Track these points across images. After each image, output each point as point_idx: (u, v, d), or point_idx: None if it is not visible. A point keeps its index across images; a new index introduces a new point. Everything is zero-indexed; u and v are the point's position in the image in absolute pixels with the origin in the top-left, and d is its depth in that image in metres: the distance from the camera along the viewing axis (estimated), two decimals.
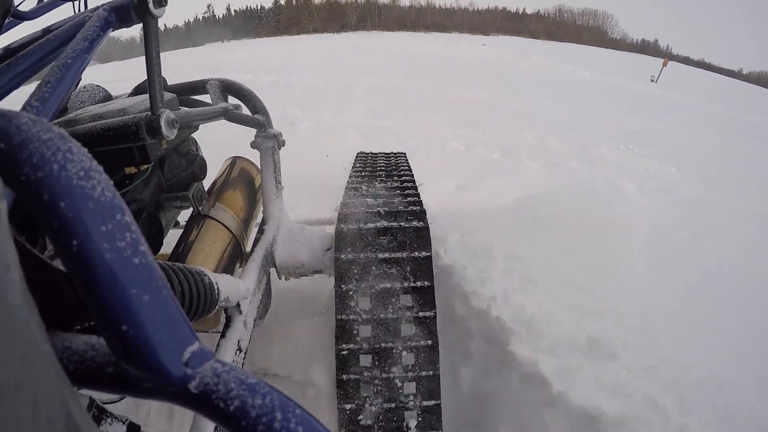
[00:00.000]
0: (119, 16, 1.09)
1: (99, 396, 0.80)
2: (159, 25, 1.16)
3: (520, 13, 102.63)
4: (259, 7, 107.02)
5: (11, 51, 1.10)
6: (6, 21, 1.02)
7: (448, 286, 2.42)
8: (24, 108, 0.83)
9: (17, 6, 1.13)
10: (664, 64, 24.31)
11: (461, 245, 2.65)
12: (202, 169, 1.93)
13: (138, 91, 1.80)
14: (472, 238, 2.74)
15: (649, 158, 6.17)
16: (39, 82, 0.91)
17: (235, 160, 2.15)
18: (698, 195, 4.88)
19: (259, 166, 2.06)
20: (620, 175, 5.10)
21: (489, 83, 10.95)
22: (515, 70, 15.63)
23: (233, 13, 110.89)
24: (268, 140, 2.02)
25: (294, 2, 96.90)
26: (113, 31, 1.10)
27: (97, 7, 1.10)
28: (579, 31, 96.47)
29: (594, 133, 7.08)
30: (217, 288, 1.08)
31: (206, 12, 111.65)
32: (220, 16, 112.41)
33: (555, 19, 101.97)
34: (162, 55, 1.16)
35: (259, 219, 2.10)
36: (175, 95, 1.54)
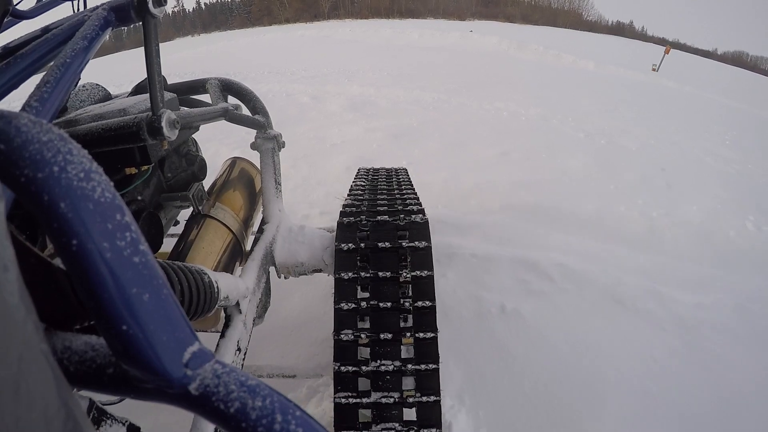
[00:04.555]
0: (118, 16, 1.08)
1: (99, 397, 0.76)
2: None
3: None
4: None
5: (10, 50, 1.08)
6: (5, 20, 1.01)
7: None
8: (23, 108, 0.82)
9: (16, 5, 1.11)
10: (666, 52, 22.99)
11: None
12: (202, 170, 1.90)
13: (138, 90, 1.79)
14: None
15: None
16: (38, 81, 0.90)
17: (234, 161, 2.12)
18: None
19: (259, 167, 2.02)
20: None
21: (510, 87, 8.68)
22: (523, 65, 13.93)
23: (203, 6, 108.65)
24: (268, 141, 1.98)
25: None
26: (113, 30, 1.09)
27: (97, 7, 1.09)
28: (555, 15, 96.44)
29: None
30: (217, 287, 1.06)
31: (176, 6, 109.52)
32: (190, 10, 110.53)
33: (531, 3, 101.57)
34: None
35: (258, 219, 2.05)
36: (175, 95, 1.53)
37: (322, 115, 5.99)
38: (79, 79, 1.24)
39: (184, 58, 15.56)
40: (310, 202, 3.43)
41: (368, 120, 5.71)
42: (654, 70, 20.34)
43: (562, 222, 3.30)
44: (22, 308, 0.29)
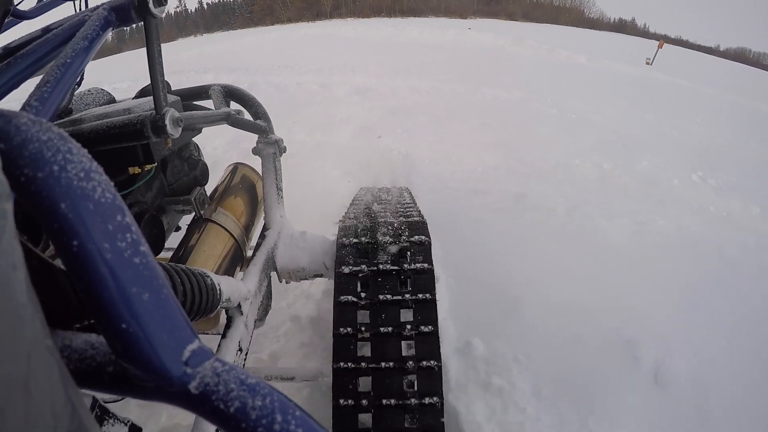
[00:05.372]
0: (119, 16, 1.08)
1: (100, 396, 0.79)
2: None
3: None
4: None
5: (10, 50, 1.08)
6: (6, 20, 1.00)
7: None
8: (23, 108, 0.83)
9: (17, 5, 1.11)
10: (660, 47, 23.54)
11: None
12: (204, 174, 1.94)
13: (142, 94, 1.83)
14: None
15: None
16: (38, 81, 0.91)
17: (236, 167, 2.15)
18: None
19: (261, 173, 2.05)
20: None
21: (499, 78, 9.47)
22: (516, 59, 14.55)
23: (206, 6, 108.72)
24: (270, 146, 2.00)
25: None
26: (113, 30, 1.09)
27: (97, 7, 1.09)
28: (557, 12, 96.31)
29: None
30: (219, 288, 1.07)
31: (178, 6, 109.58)
32: (192, 10, 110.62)
33: (532, 1, 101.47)
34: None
35: (259, 225, 2.07)
36: (178, 98, 1.56)
37: (330, 99, 6.82)
38: (82, 79, 1.28)
39: (193, 56, 15.93)
40: (324, 158, 4.26)
41: (370, 101, 6.53)
42: (648, 63, 20.87)
43: (523, 170, 4.09)
44: (30, 307, 0.30)
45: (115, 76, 11.05)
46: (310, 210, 3.10)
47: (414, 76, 9.15)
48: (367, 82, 8.30)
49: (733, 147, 6.24)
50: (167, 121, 1.09)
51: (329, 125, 5.11)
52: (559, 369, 1.98)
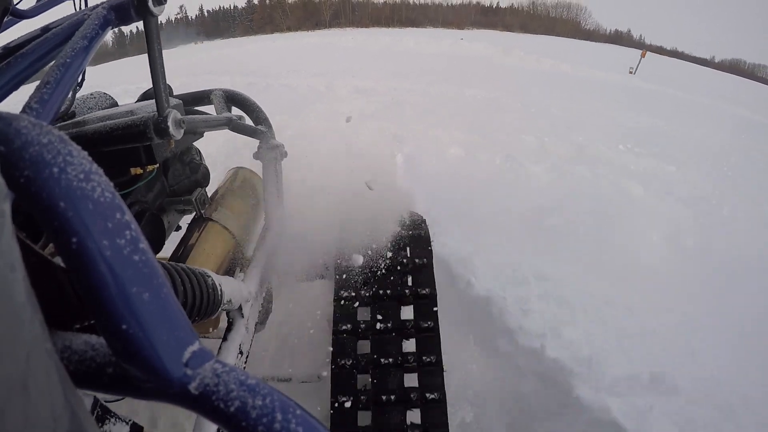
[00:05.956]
0: (118, 15, 1.09)
1: (101, 396, 0.80)
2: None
3: (494, 6, 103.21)
4: (232, 7, 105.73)
5: (10, 50, 1.08)
6: (5, 19, 0.99)
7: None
8: (24, 110, 0.83)
9: (16, 4, 1.10)
10: (643, 55, 24.72)
11: None
12: (205, 178, 1.95)
13: (145, 97, 1.85)
14: None
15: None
16: (38, 83, 0.90)
17: (237, 170, 2.16)
18: None
19: (262, 177, 2.07)
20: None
21: (482, 81, 10.78)
22: (502, 67, 15.80)
23: (206, 13, 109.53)
24: (271, 151, 2.01)
25: (267, 1, 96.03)
26: (112, 29, 1.10)
27: (96, 6, 1.10)
28: (553, 24, 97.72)
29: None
30: (221, 289, 1.07)
31: (179, 13, 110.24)
32: (193, 17, 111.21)
33: (529, 12, 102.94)
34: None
35: (259, 228, 2.11)
36: (180, 101, 1.54)
37: (335, 97, 8.00)
38: (83, 79, 1.28)
39: (202, 60, 16.64)
40: (333, 130, 5.40)
41: (369, 98, 7.72)
42: (631, 72, 21.93)
43: (481, 141, 5.12)
44: (28, 307, 0.30)
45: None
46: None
47: (408, 79, 10.35)
48: (367, 84, 9.41)
49: (668, 130, 7.54)
50: (170, 123, 1.10)
51: (335, 116, 6.28)
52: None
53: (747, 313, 2.54)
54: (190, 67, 13.51)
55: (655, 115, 9.06)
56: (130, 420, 0.86)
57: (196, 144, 1.89)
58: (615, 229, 3.19)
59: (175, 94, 1.79)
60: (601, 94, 11.21)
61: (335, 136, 4.61)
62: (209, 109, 1.93)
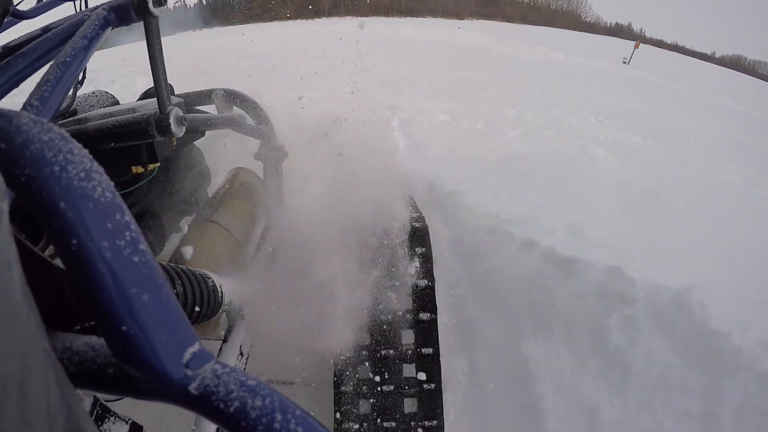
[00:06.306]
0: (118, 16, 1.09)
1: (102, 395, 0.81)
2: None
3: None
4: None
5: (10, 50, 1.08)
6: (5, 20, 0.99)
7: None
8: (24, 108, 0.82)
9: (17, 5, 1.10)
10: (636, 46, 25.10)
11: None
12: (205, 178, 1.98)
13: (146, 95, 1.85)
14: None
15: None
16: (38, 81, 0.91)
17: (238, 171, 2.18)
18: None
19: (263, 177, 2.08)
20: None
21: (472, 66, 11.40)
22: (495, 54, 16.20)
23: (204, 1, 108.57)
24: (272, 152, 2.02)
25: None
26: (112, 30, 1.10)
27: (97, 7, 1.10)
28: (553, 15, 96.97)
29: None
30: (221, 291, 1.08)
31: (177, 2, 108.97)
32: (191, 5, 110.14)
33: (529, 4, 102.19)
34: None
35: (260, 229, 2.14)
36: (182, 100, 1.57)
37: (337, 76, 8.71)
38: (84, 77, 1.29)
39: (209, 46, 16.61)
40: (339, 102, 6.05)
41: (367, 77, 8.44)
42: (624, 62, 22.36)
43: (464, 110, 5.82)
44: (25, 306, 0.30)
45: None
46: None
47: (404, 63, 11.00)
48: (365, 66, 10.07)
49: (644, 112, 8.25)
50: (171, 120, 1.10)
51: (339, 91, 7.00)
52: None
53: (664, 233, 3.20)
54: (198, 52, 13.91)
55: (636, 99, 9.76)
56: (129, 419, 0.85)
57: (197, 144, 1.92)
58: (572, 174, 3.86)
59: (176, 93, 1.79)
60: (588, 80, 11.81)
61: (341, 105, 5.26)
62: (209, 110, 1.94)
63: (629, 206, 3.39)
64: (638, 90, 11.64)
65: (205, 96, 1.95)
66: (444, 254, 2.84)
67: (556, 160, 4.05)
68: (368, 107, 5.18)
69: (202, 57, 11.54)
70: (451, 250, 2.90)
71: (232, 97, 1.98)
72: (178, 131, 1.15)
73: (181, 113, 1.16)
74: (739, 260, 2.93)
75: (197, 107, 1.95)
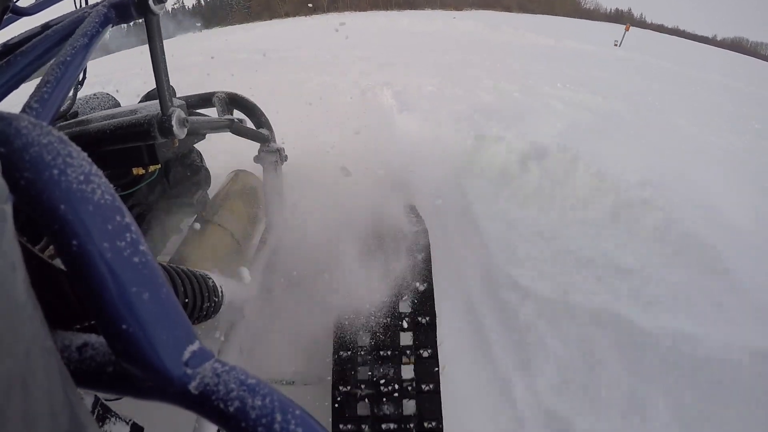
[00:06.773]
0: (119, 13, 1.08)
1: (102, 395, 0.81)
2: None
3: None
4: None
5: (9, 47, 1.08)
6: (5, 17, 0.98)
7: None
8: (24, 110, 0.81)
9: (16, 2, 1.10)
10: (626, 29, 25.76)
11: None
12: (206, 180, 1.99)
13: (148, 97, 1.86)
14: None
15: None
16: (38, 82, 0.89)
17: (238, 174, 2.18)
18: None
19: (263, 180, 2.09)
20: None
21: (463, 51, 12.31)
22: (488, 41, 16.81)
23: (203, 2, 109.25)
24: (272, 155, 2.03)
25: None
26: (113, 27, 1.09)
27: (97, 3, 1.09)
28: (552, 3, 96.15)
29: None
30: (221, 291, 1.09)
31: (176, 3, 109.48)
32: (190, 6, 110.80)
33: None
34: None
35: (260, 231, 2.14)
36: (183, 102, 1.56)
37: (340, 63, 9.47)
38: (85, 77, 1.28)
39: (216, 44, 17.10)
40: (344, 82, 6.63)
41: (367, 63, 9.35)
42: (616, 45, 22.81)
43: (450, 84, 6.31)
44: (29, 306, 0.30)
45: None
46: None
47: (400, 50, 11.89)
48: (365, 55, 10.71)
49: (616, 81, 8.62)
50: (173, 122, 1.11)
51: (343, 75, 7.91)
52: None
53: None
54: (207, 50, 14.59)
55: (614, 72, 10.14)
56: (130, 420, 0.85)
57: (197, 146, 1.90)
58: (530, 118, 4.50)
59: (177, 96, 1.79)
60: (571, 60, 12.01)
61: (346, 83, 6.28)
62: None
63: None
64: (619, 67, 11.93)
65: (206, 99, 1.95)
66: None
67: (517, 110, 4.76)
68: (367, 85, 6.20)
69: (214, 54, 12.35)
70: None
71: (234, 100, 1.99)
72: (180, 133, 1.15)
73: (183, 115, 1.16)
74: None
75: (198, 110, 1.98)
